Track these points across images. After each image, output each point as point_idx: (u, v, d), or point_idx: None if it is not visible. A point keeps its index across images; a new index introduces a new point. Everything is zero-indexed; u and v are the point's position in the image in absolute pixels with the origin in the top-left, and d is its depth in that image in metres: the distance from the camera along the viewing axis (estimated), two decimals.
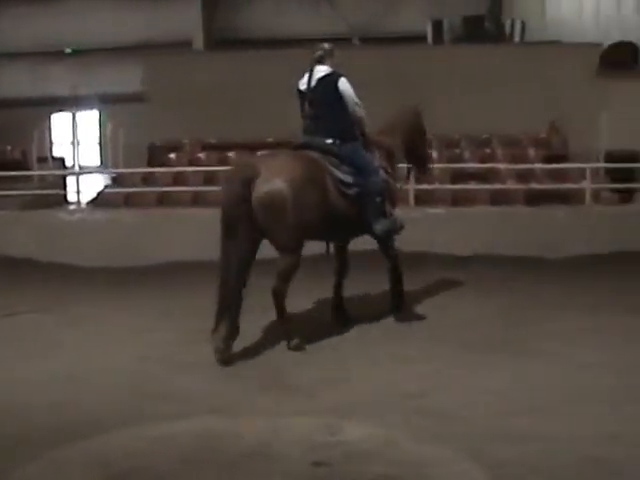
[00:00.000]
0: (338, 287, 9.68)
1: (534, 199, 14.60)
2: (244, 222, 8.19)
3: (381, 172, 9.21)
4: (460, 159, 16.71)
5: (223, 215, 8.26)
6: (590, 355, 8.28)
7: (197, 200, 15.38)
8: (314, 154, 8.83)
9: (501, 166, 15.74)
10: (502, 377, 7.61)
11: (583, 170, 14.85)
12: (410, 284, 10.44)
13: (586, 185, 14.51)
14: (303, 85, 9.09)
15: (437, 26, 21.95)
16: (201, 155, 17.71)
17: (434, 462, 5.71)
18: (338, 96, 8.88)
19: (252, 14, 24.12)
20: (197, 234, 12.81)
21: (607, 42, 22.07)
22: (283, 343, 8.68)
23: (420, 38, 22.40)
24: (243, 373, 7.86)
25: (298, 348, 8.57)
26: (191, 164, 17.16)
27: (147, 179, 16.63)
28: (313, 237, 8.83)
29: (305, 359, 8.29)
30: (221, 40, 24.42)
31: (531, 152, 17.09)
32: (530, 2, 24.17)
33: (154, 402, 7.05)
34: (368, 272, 10.54)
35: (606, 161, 16.41)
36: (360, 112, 9.01)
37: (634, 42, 23.03)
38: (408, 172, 10.72)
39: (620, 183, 15.50)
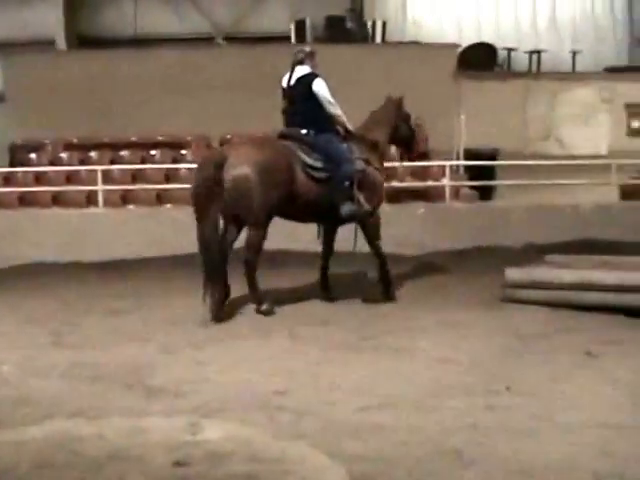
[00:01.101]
0: (324, 269, 10.83)
1: (395, 196, 14.84)
2: (216, 202, 9.53)
3: (359, 163, 10.39)
4: None
5: (196, 197, 9.62)
6: (448, 349, 8.48)
7: (58, 200, 15.24)
8: (288, 142, 10.16)
9: None
10: (362, 373, 7.73)
11: (443, 168, 15.17)
12: (269, 282, 10.61)
13: (446, 182, 14.82)
14: (285, 83, 10.42)
15: (300, 26, 22.00)
16: (63, 155, 17.46)
17: (294, 459, 5.75)
18: (313, 94, 10.16)
19: (115, 13, 23.76)
20: (58, 235, 12.67)
21: (465, 43, 22.54)
22: (145, 342, 8.71)
23: (284, 38, 22.45)
24: (105, 375, 7.80)
25: (268, 312, 9.95)
26: (52, 164, 16.93)
27: (9, 179, 16.36)
28: (283, 215, 10.19)
29: (168, 358, 8.30)
30: (84, 39, 24.03)
31: (392, 150, 17.31)
32: (391, 2, 24.46)
33: (10, 407, 6.93)
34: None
35: (465, 159, 16.78)
36: (333, 110, 10.27)
37: (491, 43, 23.53)
38: (401, 157, 11.71)
39: (480, 180, 15.85)
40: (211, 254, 9.64)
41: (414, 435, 6.16)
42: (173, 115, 17.73)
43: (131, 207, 15.49)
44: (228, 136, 16.99)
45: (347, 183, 10.22)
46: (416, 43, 21.95)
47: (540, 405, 6.87)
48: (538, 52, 23.59)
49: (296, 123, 10.32)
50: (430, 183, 15.35)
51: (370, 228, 10.64)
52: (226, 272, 9.88)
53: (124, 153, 16.83)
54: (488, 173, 16.43)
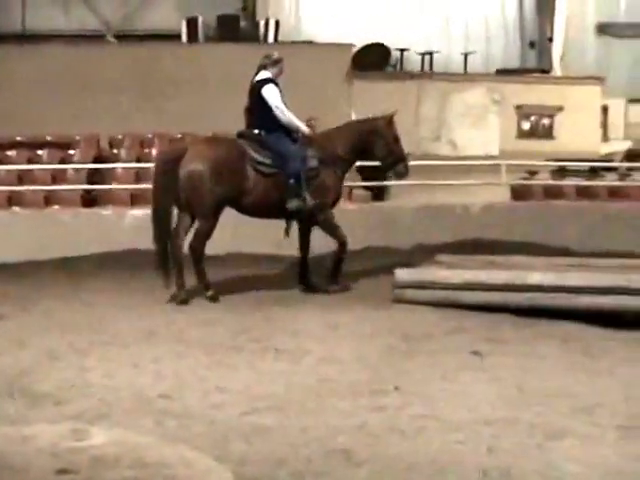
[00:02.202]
0: (303, 260, 11.54)
1: None
2: (170, 194, 10.69)
3: (312, 161, 11.08)
4: None
5: (153, 188, 10.95)
6: (336, 350, 8.51)
7: None
8: (241, 141, 11.06)
9: None
10: (248, 375, 7.72)
11: None
12: (150, 286, 10.54)
13: None
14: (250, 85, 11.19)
15: (192, 24, 21.84)
16: None
17: (180, 462, 5.70)
18: (263, 99, 10.92)
19: (2, 8, 23.36)
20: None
21: (359, 44, 22.65)
22: (28, 348, 8.58)
23: (176, 36, 22.27)
24: None
25: (214, 298, 10.77)
26: None
27: None
28: (236, 208, 11.05)
29: (52, 364, 8.15)
30: None
31: None
32: (284, 2, 24.46)
33: None
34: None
35: None
36: (280, 115, 10.91)
37: (384, 44, 23.70)
38: (385, 174, 12.17)
39: (372, 181, 15.89)
40: (163, 242, 10.72)
41: (301, 436, 6.17)
42: (61, 114, 17.39)
43: (17, 209, 15.11)
44: (119, 136, 16.78)
45: (293, 180, 10.89)
46: (309, 43, 21.98)
47: (427, 404, 6.94)
48: (430, 53, 23.83)
49: (251, 123, 11.19)
50: None
51: (323, 225, 11.33)
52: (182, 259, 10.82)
53: (10, 153, 16.41)
54: (382, 173, 16.49)
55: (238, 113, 11.32)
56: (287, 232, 11.36)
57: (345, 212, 14.42)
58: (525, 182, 16.52)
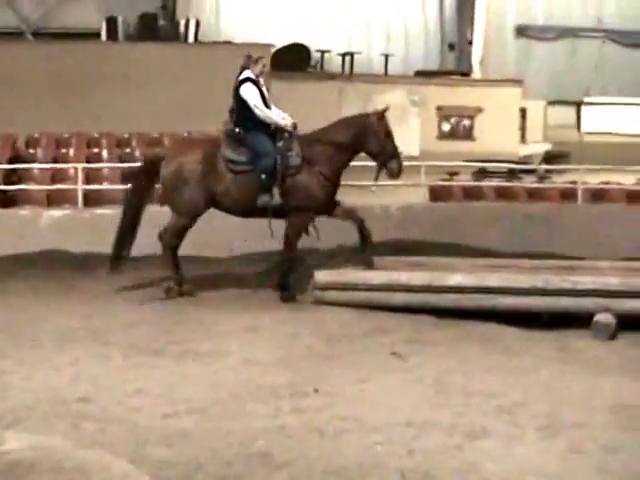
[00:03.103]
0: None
1: None
2: (146, 193, 11.35)
3: (294, 159, 11.04)
4: (132, 158, 16.58)
5: (131, 189, 11.45)
6: (256, 352, 8.48)
7: None
8: (218, 140, 11.34)
9: None
10: (167, 378, 7.65)
11: None
12: (68, 286, 10.40)
13: None
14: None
15: (111, 23, 21.65)
16: None
17: (97, 467, 5.63)
18: (242, 98, 11.02)
19: None
20: None
21: (279, 44, 22.64)
22: None
23: (95, 34, 22.05)
24: None
25: (190, 293, 11.11)
26: None
27: None
28: (214, 206, 11.23)
29: None
30: None
31: None
32: (205, 1, 24.38)
33: None
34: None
35: None
36: (258, 112, 10.96)
37: (305, 45, 23.72)
38: (377, 172, 11.43)
39: None
40: (123, 238, 11.27)
41: (222, 439, 6.13)
42: None
43: None
44: (36, 135, 16.54)
45: (264, 176, 10.95)
46: (229, 43, 21.91)
47: (347, 406, 6.94)
48: (351, 54, 23.92)
49: (233, 121, 11.29)
50: None
51: (292, 225, 11.15)
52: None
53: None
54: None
55: (158, 111, 11.27)
56: (271, 230, 11.10)
57: None
58: (444, 183, 16.61)
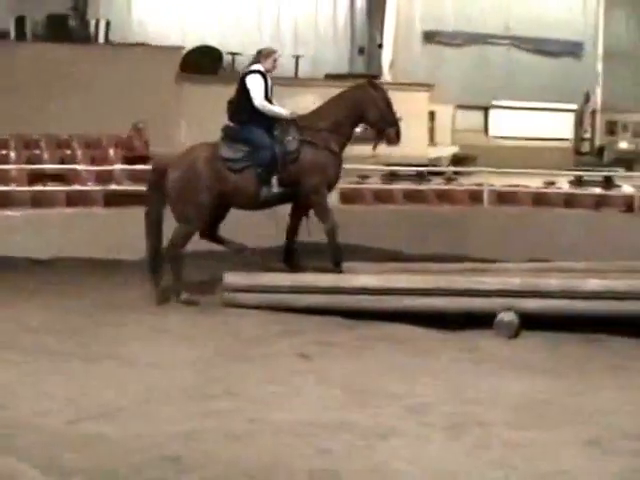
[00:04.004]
0: (289, 244, 11.45)
1: (114, 200, 14.62)
2: (157, 202, 11.14)
3: (292, 144, 10.97)
4: (39, 160, 16.40)
5: (146, 196, 11.39)
6: (165, 355, 8.45)
7: None
8: (217, 141, 11.13)
9: (79, 167, 15.65)
10: (76, 382, 7.56)
11: None
12: None
13: None
14: None
15: (20, 23, 21.35)
16: None
17: (3, 475, 5.57)
18: (246, 89, 10.92)
19: None
20: None
21: (190, 46, 22.58)
22: None
23: (4, 34, 21.72)
24: None
25: (189, 301, 10.77)
26: None
27: None
28: (225, 203, 11.15)
29: None
30: None
31: (112, 153, 17.08)
32: (115, 2, 24.17)
33: None
34: None
35: None
36: (258, 103, 10.86)
37: (216, 47, 23.68)
38: (375, 141, 11.42)
39: None
40: (152, 246, 11.12)
41: (132, 443, 6.08)
42: None
43: None
44: None
45: (260, 169, 10.89)
46: (140, 45, 21.76)
47: (257, 408, 6.96)
48: None
49: (232, 115, 11.21)
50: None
51: (315, 205, 11.16)
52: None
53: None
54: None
55: (68, 113, 11.09)
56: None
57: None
58: (355, 186, 16.72)
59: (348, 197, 16.12)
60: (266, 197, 11.06)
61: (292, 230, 11.48)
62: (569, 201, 16.85)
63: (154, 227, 11.18)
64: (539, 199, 16.66)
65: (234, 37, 25.16)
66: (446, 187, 17.30)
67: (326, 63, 25.82)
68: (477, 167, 18.11)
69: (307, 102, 21.05)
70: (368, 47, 27.08)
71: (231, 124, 11.24)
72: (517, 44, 29.46)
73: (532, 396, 7.45)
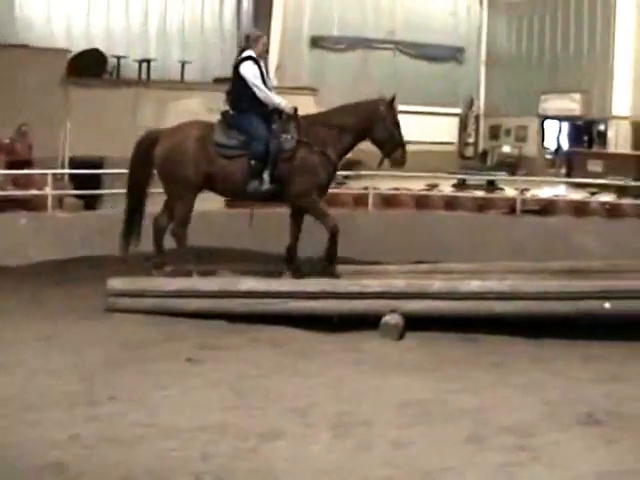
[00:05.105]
0: (291, 248, 11.34)
1: None
2: (145, 174, 11.25)
3: (288, 142, 10.84)
4: None
5: (130, 169, 11.35)
6: (49, 361, 8.36)
7: None
8: (213, 123, 11.11)
9: None
10: None
11: (46, 176, 14.82)
12: None
13: (49, 191, 14.53)
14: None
15: None
16: None
17: None
18: (240, 76, 10.89)
19: None
20: None
21: (75, 49, 22.34)
22: None
23: None
24: None
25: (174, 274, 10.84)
26: None
27: None
28: (209, 189, 11.19)
29: None
30: None
31: None
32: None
33: None
34: None
35: (70, 167, 16.58)
36: (257, 91, 10.83)
37: (101, 50, 23.46)
38: (380, 160, 11.33)
39: (85, 189, 15.64)
40: (132, 213, 11.26)
41: (14, 450, 6.05)
42: None
43: None
44: None
45: (254, 162, 10.81)
46: (25, 46, 21.41)
47: (143, 412, 6.97)
48: (148, 61, 23.79)
49: (228, 103, 11.17)
50: (33, 192, 14.88)
51: (309, 209, 11.13)
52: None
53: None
54: (94, 182, 16.33)
55: None
56: (250, 218, 11.48)
57: (56, 221, 14.20)
58: None
59: (231, 201, 16.02)
60: (255, 190, 10.95)
61: (293, 234, 11.42)
62: (451, 204, 17.10)
63: (136, 204, 11.28)
64: (422, 202, 16.87)
65: (120, 40, 25.00)
66: (335, 190, 17.37)
67: (214, 68, 25.74)
68: (364, 171, 18.20)
69: (193, 106, 21.16)
70: None
71: (231, 110, 11.14)
72: (401, 49, 29.87)
73: (415, 395, 7.58)
